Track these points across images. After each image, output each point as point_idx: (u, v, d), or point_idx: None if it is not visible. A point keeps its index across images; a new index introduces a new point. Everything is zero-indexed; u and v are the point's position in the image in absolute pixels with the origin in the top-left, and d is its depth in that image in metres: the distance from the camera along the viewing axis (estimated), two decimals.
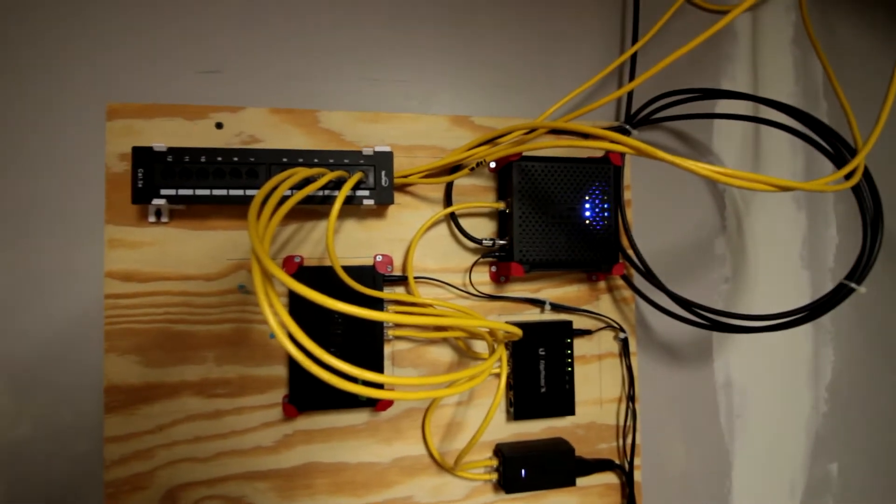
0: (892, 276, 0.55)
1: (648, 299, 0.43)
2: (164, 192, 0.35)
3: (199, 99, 0.39)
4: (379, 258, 0.40)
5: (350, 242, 0.40)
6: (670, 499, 0.47)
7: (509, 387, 0.42)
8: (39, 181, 0.37)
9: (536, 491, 0.42)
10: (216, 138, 0.39)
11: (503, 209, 0.42)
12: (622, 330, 0.45)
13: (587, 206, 0.41)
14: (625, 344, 0.45)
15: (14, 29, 0.37)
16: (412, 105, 0.43)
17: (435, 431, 0.41)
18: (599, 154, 0.44)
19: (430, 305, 0.39)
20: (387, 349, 0.40)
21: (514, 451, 0.41)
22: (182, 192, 0.35)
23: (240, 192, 0.35)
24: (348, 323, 0.38)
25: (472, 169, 0.40)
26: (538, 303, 0.43)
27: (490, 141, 0.41)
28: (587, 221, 0.41)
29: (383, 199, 0.37)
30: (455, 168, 0.41)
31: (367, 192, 0.37)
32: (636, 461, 0.45)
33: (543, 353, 0.42)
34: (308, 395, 0.37)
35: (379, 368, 0.39)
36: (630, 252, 0.43)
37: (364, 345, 0.39)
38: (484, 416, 0.37)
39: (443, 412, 0.41)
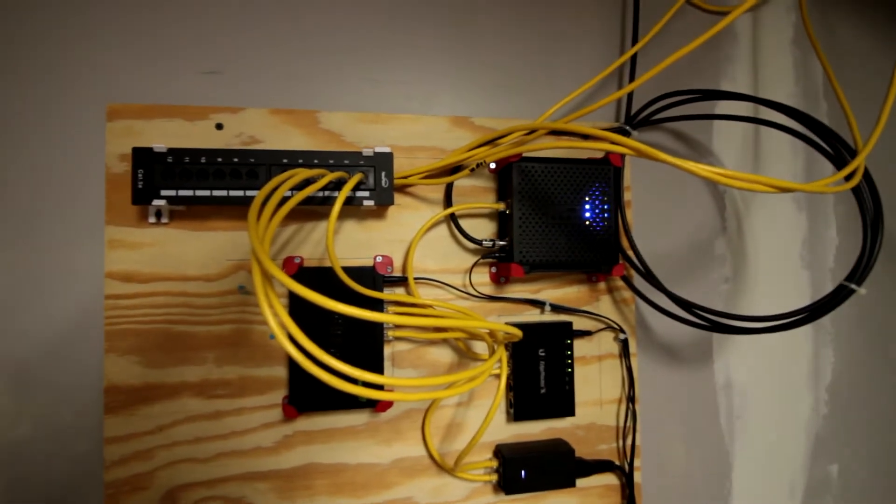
0: (892, 278, 0.55)
1: (648, 300, 0.43)
2: (164, 192, 0.35)
3: (200, 100, 0.39)
4: (379, 259, 0.40)
5: (350, 243, 0.40)
6: (670, 500, 0.47)
7: (509, 388, 0.42)
8: (40, 182, 0.37)
9: (536, 492, 0.42)
10: (216, 139, 0.39)
11: (503, 210, 0.42)
12: (622, 331, 0.45)
13: (587, 206, 0.41)
14: (625, 345, 0.45)
15: (15, 29, 0.37)
16: (412, 106, 0.43)
17: (435, 432, 0.41)
18: (599, 155, 0.44)
19: (430, 306, 0.39)
20: (387, 350, 0.40)
21: (514, 452, 0.41)
22: (182, 192, 0.35)
23: (240, 193, 0.35)
24: (348, 324, 0.38)
25: (473, 170, 0.40)
26: (538, 304, 0.43)
27: (490, 142, 0.41)
28: (587, 222, 0.41)
29: (383, 200, 0.37)
30: (455, 169, 0.41)
31: (367, 193, 0.37)
32: (636, 462, 0.45)
33: (543, 354, 0.42)
34: (308, 396, 0.37)
35: (379, 369, 0.39)
36: (630, 253, 0.43)
37: (364, 346, 0.39)
38: (484, 416, 0.37)
39: (443, 413, 0.41)
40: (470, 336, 0.40)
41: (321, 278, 0.38)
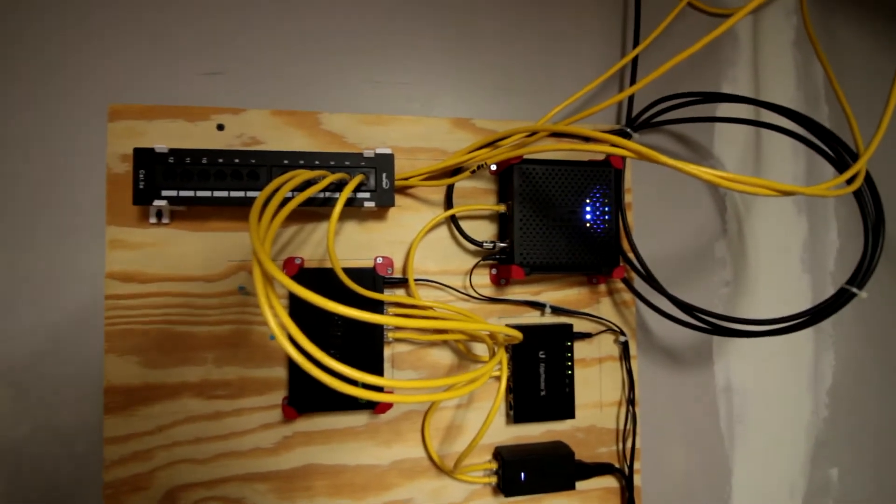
0: (893, 281, 0.55)
1: (649, 303, 0.43)
2: (165, 193, 0.35)
3: (201, 100, 0.39)
4: (379, 260, 0.40)
5: (351, 244, 0.40)
6: (670, 503, 0.47)
7: (509, 390, 0.42)
8: (41, 182, 0.37)
9: (536, 494, 0.42)
10: (217, 140, 0.39)
11: (504, 212, 0.42)
12: (622, 333, 0.45)
13: (588, 209, 0.41)
14: (625, 347, 0.45)
15: (17, 30, 0.37)
16: (413, 107, 0.43)
17: (434, 434, 0.41)
18: (600, 157, 0.44)
19: (431, 308, 0.39)
20: (387, 351, 0.40)
21: (514, 455, 0.41)
22: (183, 193, 0.35)
23: (241, 194, 0.35)
24: (348, 325, 0.38)
25: (473, 171, 0.40)
26: (538, 306, 0.43)
27: (491, 143, 0.41)
28: (588, 224, 0.41)
29: (384, 202, 0.37)
30: (456, 170, 0.41)
31: (367, 195, 0.37)
32: (636, 465, 0.44)
33: (543, 356, 0.42)
34: (308, 397, 0.37)
35: (379, 371, 0.39)
36: (630, 255, 0.43)
37: (364, 347, 0.39)
38: (484, 419, 0.37)
39: (442, 415, 0.41)
40: (470, 338, 0.40)
41: (321, 279, 0.38)
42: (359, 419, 0.40)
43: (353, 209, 0.38)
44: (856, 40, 0.55)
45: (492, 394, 0.43)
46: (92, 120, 0.37)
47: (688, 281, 0.49)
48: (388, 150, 0.38)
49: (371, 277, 0.39)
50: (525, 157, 0.40)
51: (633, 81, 0.46)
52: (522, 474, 0.40)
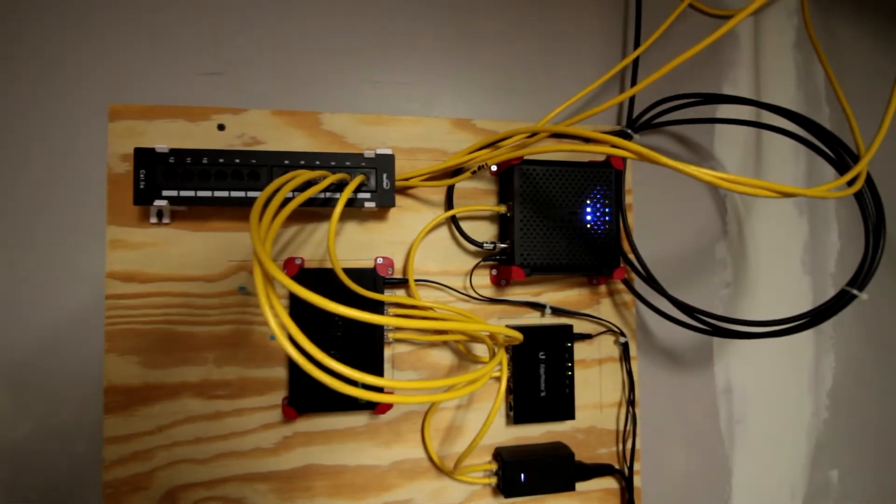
0: (894, 283, 0.55)
1: (649, 304, 0.43)
2: (165, 193, 0.35)
3: (202, 100, 0.39)
4: (380, 261, 0.40)
5: (351, 245, 0.40)
6: None
7: (509, 390, 0.42)
8: (41, 182, 0.37)
9: (536, 495, 0.41)
10: (218, 140, 0.39)
11: (504, 212, 0.42)
12: (623, 334, 0.45)
13: (588, 209, 0.41)
14: (625, 348, 0.45)
15: (17, 30, 0.37)
16: (414, 108, 0.43)
17: (434, 435, 0.41)
18: (601, 158, 0.44)
19: (431, 308, 0.39)
20: (387, 352, 0.40)
21: (514, 456, 0.41)
22: (184, 193, 0.35)
23: (241, 194, 0.35)
24: (349, 325, 0.38)
25: (474, 172, 0.40)
26: (539, 306, 0.43)
27: (492, 144, 0.41)
28: (588, 225, 0.41)
29: (384, 202, 0.37)
30: (456, 171, 0.41)
31: (368, 195, 0.37)
32: (636, 466, 0.44)
33: (544, 356, 0.42)
34: (308, 398, 0.37)
35: (379, 371, 0.39)
36: (631, 256, 0.43)
37: (364, 347, 0.39)
38: (484, 419, 0.37)
39: (442, 415, 0.41)
40: (470, 338, 0.40)
41: (322, 280, 0.38)
42: (359, 420, 0.40)
43: (354, 209, 0.38)
44: (856, 41, 0.55)
45: (492, 394, 0.43)
46: (92, 120, 0.37)
47: (688, 282, 0.49)
48: (388, 151, 0.38)
49: (371, 278, 0.39)
50: (525, 157, 0.40)
51: (633, 82, 0.46)
52: (522, 475, 0.40)
